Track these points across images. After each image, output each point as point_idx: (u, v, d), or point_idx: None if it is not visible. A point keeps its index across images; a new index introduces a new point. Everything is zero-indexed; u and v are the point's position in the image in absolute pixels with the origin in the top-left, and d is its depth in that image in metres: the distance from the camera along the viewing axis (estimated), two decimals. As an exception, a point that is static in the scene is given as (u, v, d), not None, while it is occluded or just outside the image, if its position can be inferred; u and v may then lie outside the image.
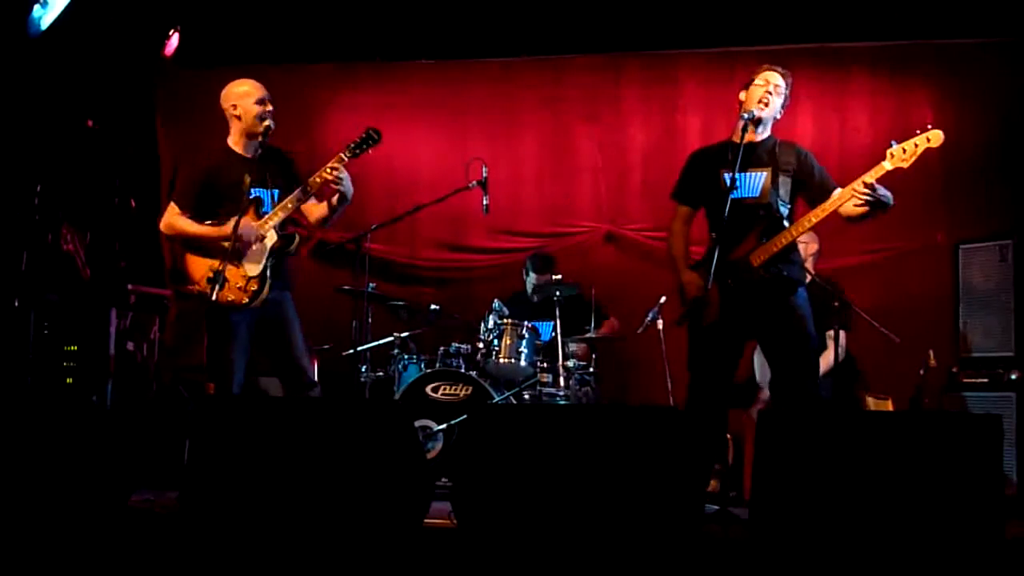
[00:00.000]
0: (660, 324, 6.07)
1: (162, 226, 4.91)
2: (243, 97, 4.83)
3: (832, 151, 6.50)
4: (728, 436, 5.54)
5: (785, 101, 4.63)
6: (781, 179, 4.53)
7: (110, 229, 6.65)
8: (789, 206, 4.55)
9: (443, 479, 5.39)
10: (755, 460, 3.67)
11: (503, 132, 7.24)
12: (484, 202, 5.87)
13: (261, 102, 4.81)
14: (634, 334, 6.15)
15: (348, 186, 4.75)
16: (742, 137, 4.46)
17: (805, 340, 4.50)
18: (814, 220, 4.43)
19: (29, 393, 5.84)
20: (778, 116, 4.66)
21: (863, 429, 3.61)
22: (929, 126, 4.34)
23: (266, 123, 4.77)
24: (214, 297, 4.50)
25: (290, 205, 4.76)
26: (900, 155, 4.32)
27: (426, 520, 3.82)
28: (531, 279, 6.62)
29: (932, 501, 3.41)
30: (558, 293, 6.06)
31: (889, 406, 5.71)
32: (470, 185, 5.90)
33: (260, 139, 4.81)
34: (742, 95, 4.65)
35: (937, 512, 3.40)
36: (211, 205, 4.80)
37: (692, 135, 6.89)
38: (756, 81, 4.60)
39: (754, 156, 4.55)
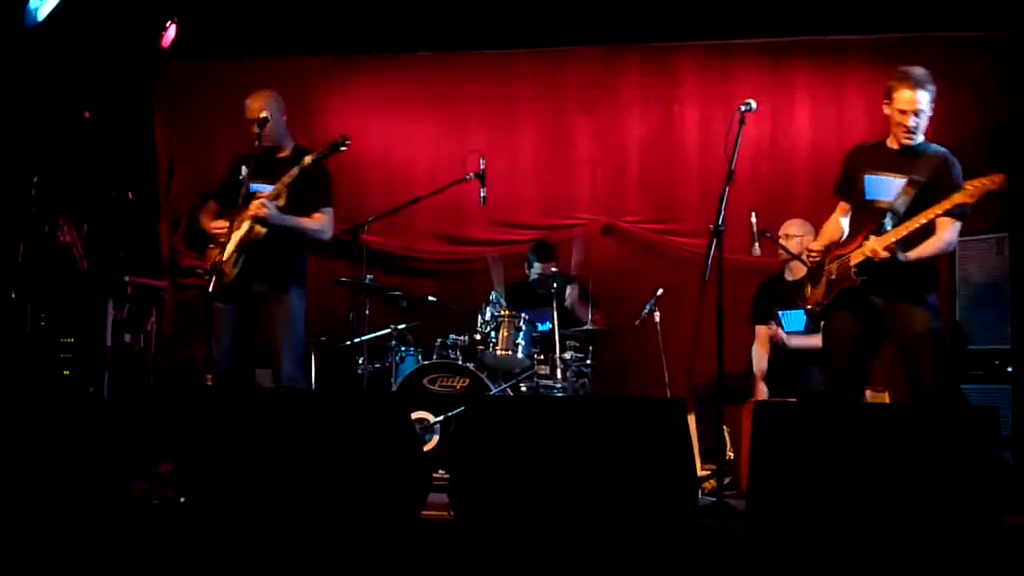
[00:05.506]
0: (657, 316, 6.06)
1: (202, 220, 5.27)
2: (246, 109, 5.12)
3: (830, 144, 6.48)
4: (726, 429, 5.54)
5: (932, 103, 4.55)
6: (909, 188, 4.48)
7: (107, 221, 6.64)
8: (903, 218, 4.46)
9: (440, 471, 5.39)
10: (752, 452, 3.67)
11: (501, 124, 7.22)
12: (481, 194, 5.87)
13: (257, 101, 5.09)
14: (631, 325, 6.15)
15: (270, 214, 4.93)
16: (736, 138, 4.53)
17: (922, 344, 4.45)
18: (903, 233, 4.37)
19: (26, 385, 5.84)
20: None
21: (860, 421, 3.62)
22: (998, 173, 4.27)
23: (262, 117, 4.99)
24: (211, 288, 4.71)
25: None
26: (970, 190, 4.25)
27: (423, 512, 3.84)
28: (535, 268, 6.60)
29: (929, 493, 3.42)
30: (555, 285, 6.06)
31: (886, 398, 5.72)
32: (467, 177, 5.90)
33: (257, 130, 4.98)
34: (886, 110, 4.58)
35: (934, 503, 3.42)
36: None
37: (689, 127, 6.88)
38: (896, 106, 4.53)
39: (899, 161, 4.55)
